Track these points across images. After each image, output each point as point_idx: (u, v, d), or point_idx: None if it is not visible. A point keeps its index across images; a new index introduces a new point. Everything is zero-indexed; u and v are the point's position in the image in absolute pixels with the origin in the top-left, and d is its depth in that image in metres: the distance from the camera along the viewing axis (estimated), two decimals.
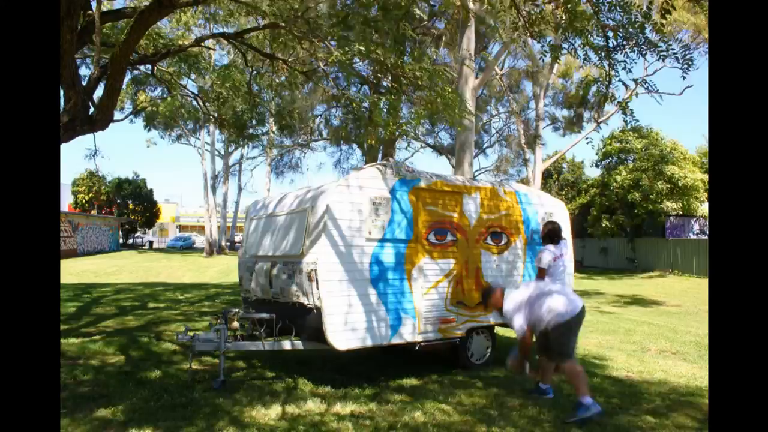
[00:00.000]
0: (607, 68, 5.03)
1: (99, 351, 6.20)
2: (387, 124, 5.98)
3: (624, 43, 4.82)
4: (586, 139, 6.33)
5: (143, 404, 4.31)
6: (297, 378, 5.25)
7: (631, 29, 4.70)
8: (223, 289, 14.46)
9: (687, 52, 4.83)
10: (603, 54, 4.92)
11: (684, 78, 4.86)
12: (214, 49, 15.06)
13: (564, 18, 4.97)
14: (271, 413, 4.17)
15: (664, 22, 4.47)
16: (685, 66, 4.79)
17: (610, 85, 5.19)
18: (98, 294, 12.51)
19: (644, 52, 4.87)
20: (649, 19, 4.74)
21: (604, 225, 26.14)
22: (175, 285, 15.71)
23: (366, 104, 7.68)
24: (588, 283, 19.93)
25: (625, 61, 5.02)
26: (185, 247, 45.62)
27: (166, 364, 5.64)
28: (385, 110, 6.35)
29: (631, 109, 5.23)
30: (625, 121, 5.32)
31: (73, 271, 21.16)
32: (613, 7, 4.76)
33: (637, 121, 5.33)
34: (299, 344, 5.23)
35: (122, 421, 3.92)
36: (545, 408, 4.43)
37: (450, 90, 6.25)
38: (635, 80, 5.79)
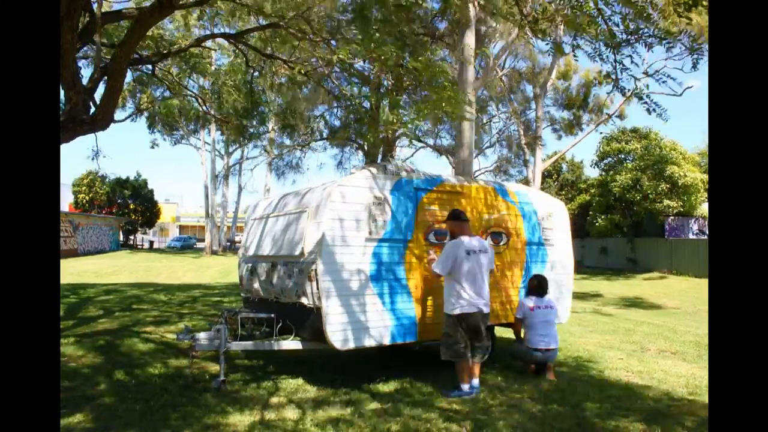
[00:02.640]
0: (613, 61, 5.00)
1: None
2: (389, 121, 5.97)
3: (630, 37, 4.80)
4: (599, 131, 6.33)
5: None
6: (286, 379, 5.20)
7: (638, 20, 4.67)
8: (216, 290, 14.34)
9: (695, 45, 4.81)
10: (612, 47, 4.89)
11: (695, 69, 4.86)
12: (216, 50, 15.06)
13: (568, 12, 4.95)
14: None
15: (684, 17, 4.41)
16: (696, 57, 4.76)
17: (620, 79, 5.14)
18: (87, 295, 12.32)
19: (651, 45, 4.85)
20: (656, 9, 4.70)
21: (598, 224, 26.12)
22: (164, 286, 15.54)
23: (367, 104, 7.69)
24: (587, 283, 19.92)
25: (631, 56, 4.98)
26: (185, 247, 45.64)
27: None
28: (386, 109, 6.35)
29: (647, 95, 5.15)
30: (648, 110, 5.20)
31: (73, 271, 21.15)
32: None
33: (659, 105, 5.20)
34: (298, 344, 5.23)
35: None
36: (531, 414, 4.33)
37: (450, 84, 6.23)
38: (645, 73, 5.73)
